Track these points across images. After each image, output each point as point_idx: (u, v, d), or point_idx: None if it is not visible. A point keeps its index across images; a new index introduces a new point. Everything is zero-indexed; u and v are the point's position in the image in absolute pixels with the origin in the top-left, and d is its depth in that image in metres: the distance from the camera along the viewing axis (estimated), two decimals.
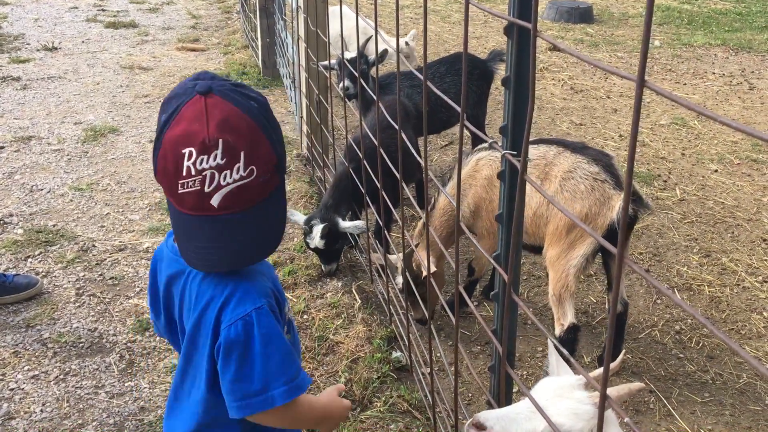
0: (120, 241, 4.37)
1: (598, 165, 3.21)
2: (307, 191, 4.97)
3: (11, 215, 4.60)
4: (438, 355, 3.37)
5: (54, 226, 4.51)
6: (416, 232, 3.86)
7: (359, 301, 3.78)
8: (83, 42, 9.26)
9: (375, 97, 3.06)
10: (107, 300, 3.78)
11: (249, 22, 8.92)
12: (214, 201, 1.43)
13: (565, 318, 3.23)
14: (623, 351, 2.07)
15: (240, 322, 1.50)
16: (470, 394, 3.38)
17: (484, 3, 12.35)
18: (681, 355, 3.64)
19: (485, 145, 2.99)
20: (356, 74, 4.01)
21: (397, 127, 2.59)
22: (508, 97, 1.72)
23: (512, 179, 1.77)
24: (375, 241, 4.19)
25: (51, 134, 6.03)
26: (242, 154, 1.42)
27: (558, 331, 3.25)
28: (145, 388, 3.19)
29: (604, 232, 3.14)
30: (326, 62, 4.72)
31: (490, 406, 2.07)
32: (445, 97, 2.16)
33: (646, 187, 5.48)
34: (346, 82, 4.70)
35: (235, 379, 1.52)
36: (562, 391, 1.66)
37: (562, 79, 8.36)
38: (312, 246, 3.89)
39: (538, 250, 3.51)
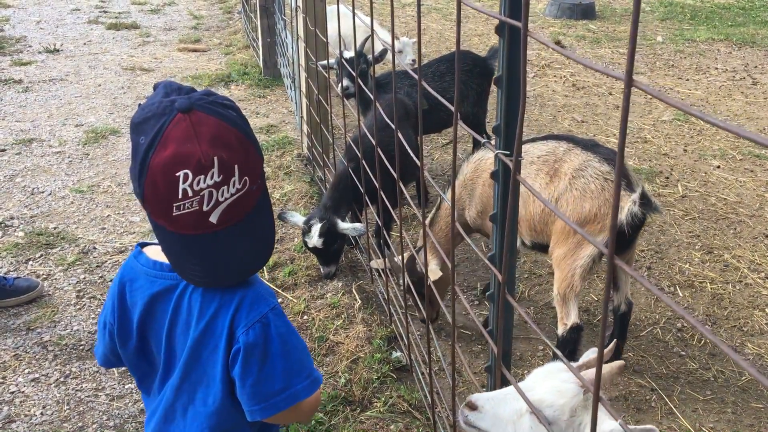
0: (120, 243, 4.37)
1: (610, 164, 3.16)
2: (307, 191, 4.96)
3: (12, 218, 4.61)
4: (438, 355, 3.36)
5: (55, 228, 4.51)
6: (421, 233, 3.83)
7: (359, 302, 3.77)
8: (85, 44, 9.28)
9: (373, 97, 3.05)
10: None
11: (250, 22, 8.92)
12: (213, 218, 1.42)
13: (568, 318, 3.21)
14: (614, 341, 2.07)
15: (258, 324, 1.52)
16: (471, 393, 3.36)
17: (482, 0, 12.34)
18: (683, 353, 3.63)
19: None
20: (354, 74, 4.00)
21: (394, 126, 2.58)
22: (501, 97, 1.71)
23: (506, 179, 1.76)
24: (375, 242, 4.19)
25: (52, 136, 6.04)
26: (236, 167, 1.41)
27: (561, 330, 3.23)
28: None
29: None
30: (325, 62, 4.71)
31: None
32: (440, 97, 2.16)
33: (648, 184, 5.46)
34: (345, 82, 4.69)
35: (257, 381, 1.53)
36: (550, 374, 1.76)
37: (564, 76, 8.33)
38: (311, 245, 3.88)
39: (546, 248, 3.48)
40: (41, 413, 3.02)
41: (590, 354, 1.94)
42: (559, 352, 1.71)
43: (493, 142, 1.80)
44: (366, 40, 5.01)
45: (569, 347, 3.19)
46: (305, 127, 5.43)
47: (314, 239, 3.83)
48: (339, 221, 3.88)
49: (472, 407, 1.73)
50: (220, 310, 1.55)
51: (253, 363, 1.52)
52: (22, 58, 8.37)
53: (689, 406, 3.27)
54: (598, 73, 8.46)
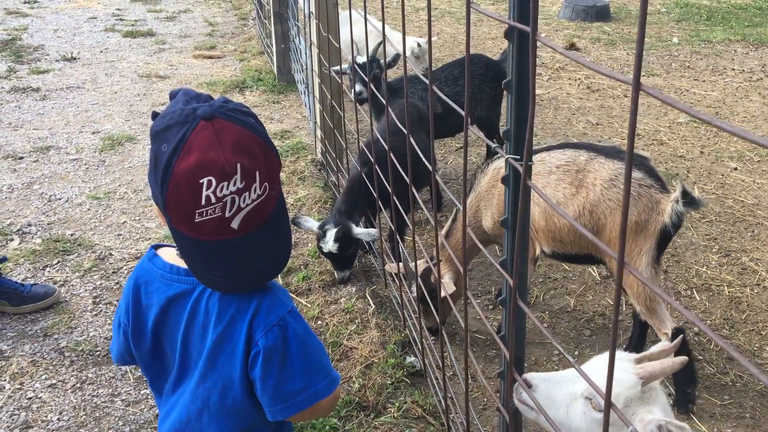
0: (136, 249, 4.40)
1: (641, 170, 3.10)
2: (321, 196, 4.97)
3: (30, 225, 4.66)
4: (452, 360, 3.34)
5: (71, 235, 4.56)
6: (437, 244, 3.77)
7: (373, 306, 3.77)
8: (101, 51, 9.37)
9: (385, 102, 3.05)
10: None
11: (264, 28, 8.97)
12: (235, 224, 1.44)
13: (664, 326, 3.13)
14: (681, 336, 2.10)
15: (276, 327, 1.54)
16: (485, 400, 3.36)
17: (496, 4, 12.31)
18: (700, 357, 3.59)
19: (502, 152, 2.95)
20: (367, 79, 4.00)
21: (406, 131, 2.58)
22: (511, 101, 1.70)
23: (516, 184, 1.75)
24: (388, 246, 4.18)
25: (69, 144, 6.10)
26: (257, 173, 1.43)
27: (664, 340, 3.14)
28: None
29: (658, 237, 3.07)
30: (338, 67, 4.72)
31: (501, 414, 2.05)
32: (451, 102, 2.15)
33: None
34: (358, 87, 4.70)
35: (277, 383, 1.56)
36: (606, 362, 1.75)
37: (579, 79, 8.29)
38: (325, 250, 3.89)
39: (574, 258, 3.44)
40: (58, 419, 3.05)
41: (658, 347, 1.93)
42: (571, 359, 1.69)
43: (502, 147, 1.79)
44: (379, 45, 5.02)
45: (681, 352, 3.09)
46: (319, 133, 5.45)
47: (329, 244, 3.83)
48: (353, 226, 3.88)
49: (528, 385, 1.78)
50: (238, 315, 1.57)
51: (273, 365, 1.55)
52: (39, 67, 8.46)
53: (707, 410, 3.23)
54: (615, 79, 8.41)
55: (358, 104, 4.83)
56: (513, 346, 1.80)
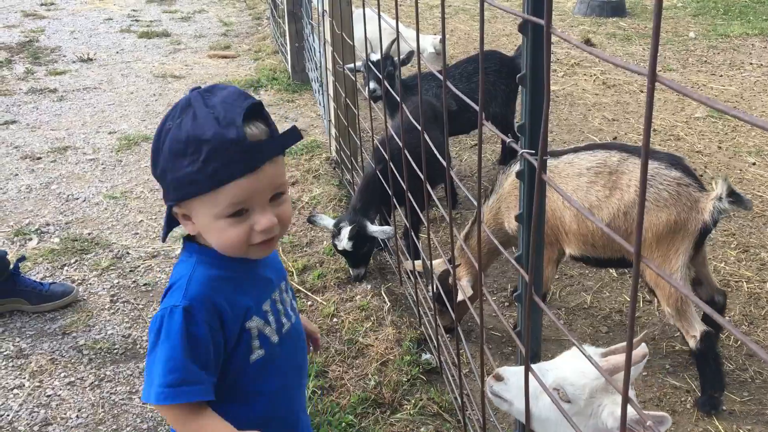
0: (153, 248, 4.43)
1: (678, 169, 3.06)
2: (336, 194, 4.98)
3: (48, 224, 4.70)
4: (468, 357, 3.34)
5: (89, 234, 4.59)
6: (457, 246, 3.72)
7: (389, 304, 3.77)
8: (117, 52, 9.44)
9: (399, 99, 3.05)
10: (141, 306, 3.84)
11: (278, 27, 8.99)
12: None
13: (693, 329, 3.09)
14: (644, 332, 2.15)
15: (159, 313, 1.57)
16: None
17: (510, 0, 12.26)
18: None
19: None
20: (381, 76, 4.00)
21: (420, 128, 2.58)
22: (525, 95, 1.70)
23: (531, 179, 1.75)
24: (403, 244, 4.18)
25: (86, 144, 6.15)
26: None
27: (692, 344, 3.09)
28: None
29: (696, 236, 3.03)
30: (352, 65, 4.73)
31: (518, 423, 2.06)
32: (465, 98, 2.14)
33: None
34: (372, 85, 4.70)
35: (146, 363, 1.60)
36: (579, 355, 1.85)
37: (594, 75, 8.24)
38: (340, 248, 3.89)
39: (605, 262, 3.41)
40: (77, 416, 3.08)
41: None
42: (585, 351, 1.67)
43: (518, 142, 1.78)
44: (393, 42, 5.02)
45: (709, 356, 3.08)
46: (333, 131, 5.46)
47: (344, 242, 3.84)
48: (368, 224, 3.88)
49: (499, 378, 1.87)
50: (169, 284, 1.65)
51: (149, 344, 1.60)
52: (56, 68, 8.54)
53: (726, 407, 3.20)
54: (629, 72, 8.35)
55: (372, 102, 4.83)
56: (528, 341, 1.79)
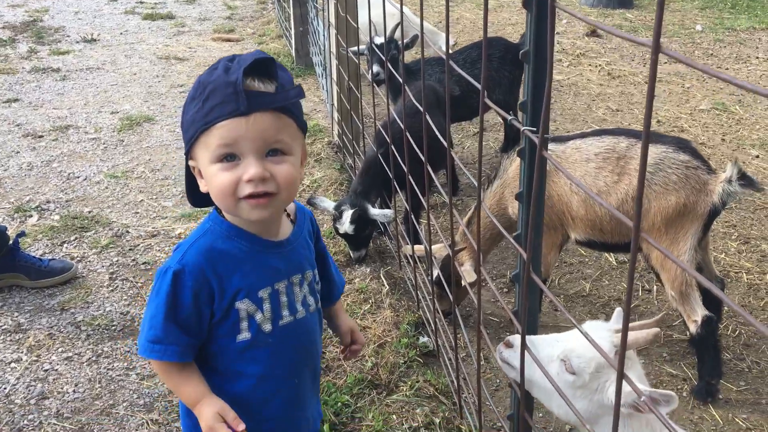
0: (153, 227, 4.43)
1: (686, 152, 3.07)
2: (337, 178, 4.97)
3: (48, 202, 4.70)
4: (465, 340, 3.34)
5: (89, 212, 4.59)
6: (459, 231, 3.71)
7: (387, 287, 3.77)
8: (121, 34, 9.41)
9: (402, 82, 3.04)
10: (140, 284, 3.84)
11: (283, 11, 8.96)
12: None
13: (694, 313, 3.09)
14: (662, 314, 2.15)
15: (161, 268, 1.63)
16: (498, 380, 3.35)
17: None
18: None
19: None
20: (385, 60, 3.98)
21: (422, 110, 2.56)
22: (528, 72, 1.69)
23: (532, 157, 1.74)
24: (403, 228, 4.18)
25: (88, 123, 6.14)
26: None
27: (693, 329, 3.09)
28: None
29: (705, 218, 3.03)
30: (356, 48, 4.70)
31: (512, 389, 2.05)
32: (468, 77, 2.13)
33: None
34: (376, 68, 4.68)
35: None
36: (590, 329, 1.84)
37: (600, 65, 8.21)
38: (341, 231, 3.89)
39: (612, 247, 3.40)
40: (74, 390, 3.08)
41: (641, 321, 1.98)
42: (588, 335, 1.65)
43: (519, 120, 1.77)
44: (397, 26, 4.99)
45: (709, 342, 3.08)
46: (336, 115, 5.44)
47: (345, 225, 3.83)
48: (369, 207, 3.88)
49: (509, 345, 1.91)
50: (180, 242, 1.71)
51: None
52: (60, 48, 8.52)
53: (722, 396, 3.20)
54: (634, 62, 8.32)
55: (375, 85, 4.81)
56: (525, 320, 1.78)
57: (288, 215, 1.79)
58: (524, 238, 1.82)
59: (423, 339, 3.40)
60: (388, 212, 3.87)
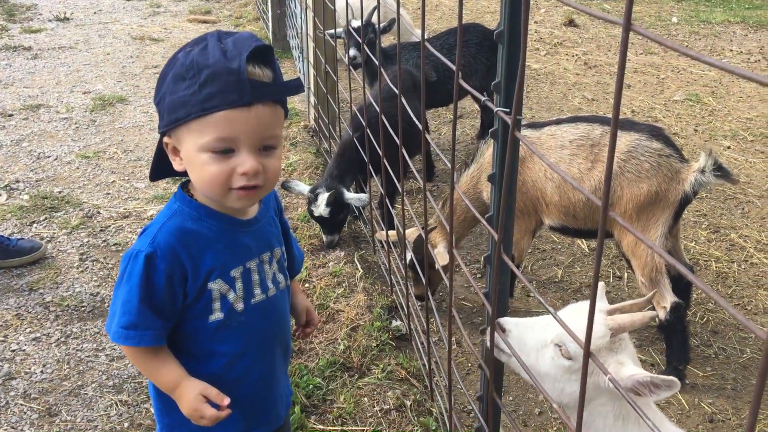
0: (125, 209, 4.37)
1: (659, 140, 3.09)
2: (312, 162, 4.95)
3: (18, 181, 4.62)
4: (438, 325, 3.35)
5: (60, 192, 4.52)
6: (434, 215, 3.71)
7: (361, 271, 3.76)
8: (95, 13, 9.25)
9: (379, 66, 3.02)
10: (110, 266, 3.79)
11: None
12: None
13: (664, 300, 3.13)
14: (653, 291, 2.10)
15: (129, 252, 1.60)
16: (469, 365, 3.37)
17: None
18: None
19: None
20: (362, 43, 3.96)
21: (398, 92, 2.55)
22: (502, 53, 1.68)
23: (505, 137, 1.73)
24: (378, 213, 4.17)
25: (60, 103, 6.04)
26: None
27: (662, 315, 3.13)
28: None
29: (676, 206, 3.07)
30: (333, 31, 4.67)
31: (482, 370, 2.05)
32: (445, 59, 2.12)
33: None
34: (352, 51, 4.65)
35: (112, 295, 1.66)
36: (581, 312, 1.79)
37: (576, 55, 8.24)
38: (316, 214, 3.87)
39: (585, 233, 3.43)
40: (41, 371, 3.04)
41: (631, 301, 1.94)
42: (560, 318, 1.65)
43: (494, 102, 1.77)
44: (374, 10, 4.96)
45: (677, 327, 3.12)
46: (312, 99, 5.40)
47: (320, 208, 3.82)
48: (345, 191, 3.86)
49: (501, 329, 1.81)
50: (147, 225, 1.68)
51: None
52: (32, 26, 8.35)
53: (689, 381, 3.25)
54: (611, 53, 8.37)
55: (352, 69, 4.78)
56: (496, 301, 1.79)
57: None
58: (496, 219, 1.82)
59: (396, 323, 3.41)
60: (363, 196, 3.86)
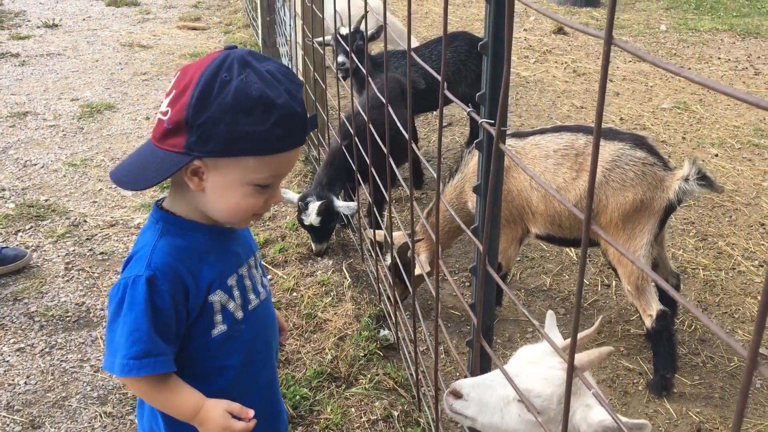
0: (111, 217, 4.34)
1: (643, 149, 3.10)
2: (301, 170, 4.93)
3: (3, 189, 4.58)
4: (425, 334, 3.34)
5: (46, 201, 4.49)
6: (419, 223, 3.70)
7: (349, 280, 3.75)
8: (84, 20, 9.22)
9: (366, 74, 3.02)
10: (96, 275, 3.76)
11: (251, 1, 8.85)
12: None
13: (650, 308, 3.13)
14: (600, 318, 2.00)
15: (121, 282, 1.53)
16: (457, 374, 3.35)
17: None
18: None
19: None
20: (349, 50, 3.95)
21: (385, 101, 2.55)
22: (486, 64, 1.68)
23: (489, 149, 1.73)
24: (366, 221, 4.16)
25: (47, 110, 6.00)
26: (172, 91, 1.46)
27: (648, 323, 3.13)
28: None
29: (661, 214, 3.07)
30: (321, 38, 4.66)
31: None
32: (430, 69, 2.11)
33: None
34: (341, 58, 4.65)
35: (106, 331, 1.57)
36: (535, 358, 1.68)
37: (565, 62, 8.27)
38: (307, 223, 3.85)
39: (571, 242, 3.43)
40: (25, 383, 3.01)
41: (581, 333, 1.85)
42: (545, 333, 1.63)
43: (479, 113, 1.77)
44: (362, 18, 4.96)
45: (664, 336, 3.12)
46: None
47: (311, 217, 3.80)
48: (335, 199, 3.85)
49: (457, 395, 1.67)
50: (132, 252, 1.61)
51: (109, 313, 1.57)
52: (20, 32, 8.31)
53: (677, 390, 3.25)
54: (600, 60, 8.40)
55: (340, 76, 4.78)
56: (481, 313, 1.78)
57: None
58: (481, 230, 1.82)
59: (384, 332, 3.39)
60: (352, 204, 3.85)
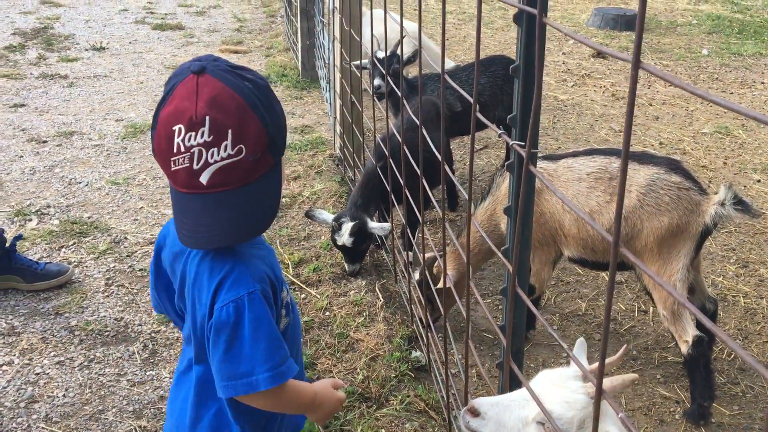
0: (151, 234, 4.44)
1: (678, 174, 3.09)
2: (337, 190, 4.98)
3: (49, 206, 4.72)
4: (457, 357, 3.32)
5: (89, 218, 4.61)
6: (450, 245, 3.69)
7: (382, 300, 3.76)
8: (130, 43, 9.48)
9: (401, 96, 3.05)
10: (135, 291, 3.84)
11: (291, 25, 9.01)
12: (203, 178, 1.45)
13: (686, 333, 3.09)
14: (624, 346, 1.97)
15: (232, 304, 1.52)
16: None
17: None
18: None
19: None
20: (385, 73, 4.00)
21: (419, 123, 2.57)
22: (518, 87, 1.69)
23: (520, 171, 1.74)
24: (400, 242, 4.17)
25: (93, 130, 6.17)
26: (230, 132, 1.43)
27: (684, 349, 3.09)
28: (166, 377, 3.22)
29: (697, 239, 3.05)
30: (359, 62, 4.73)
31: None
32: (464, 92, 2.13)
33: None
34: (377, 81, 4.71)
35: (223, 359, 1.53)
36: (558, 381, 1.67)
37: (604, 86, 8.22)
38: (339, 243, 3.89)
39: (604, 266, 3.41)
40: (63, 395, 3.08)
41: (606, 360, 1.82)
42: (573, 355, 1.62)
43: (510, 135, 1.78)
44: (399, 42, 5.02)
45: (701, 362, 3.08)
46: (338, 128, 5.46)
47: (344, 237, 3.83)
48: (369, 220, 3.88)
49: (475, 413, 1.65)
50: (208, 282, 1.57)
51: (220, 342, 1.53)
52: (69, 55, 8.58)
53: (715, 420, 3.18)
54: (640, 84, 8.33)
55: (377, 98, 4.83)
56: (511, 334, 1.78)
57: None
58: (511, 252, 1.82)
59: (415, 353, 3.39)
60: (386, 225, 3.87)
